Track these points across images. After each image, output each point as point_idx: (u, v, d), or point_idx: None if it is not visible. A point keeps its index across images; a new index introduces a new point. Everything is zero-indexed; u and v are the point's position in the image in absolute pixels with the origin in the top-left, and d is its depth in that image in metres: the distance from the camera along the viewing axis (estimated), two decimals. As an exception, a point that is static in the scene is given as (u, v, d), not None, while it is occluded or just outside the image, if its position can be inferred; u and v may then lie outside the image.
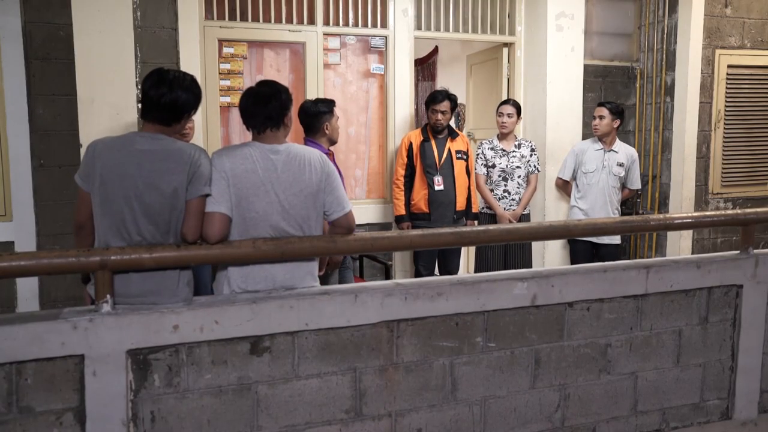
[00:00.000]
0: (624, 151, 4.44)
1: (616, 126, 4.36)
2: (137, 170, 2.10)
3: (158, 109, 2.17)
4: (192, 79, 2.23)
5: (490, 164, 4.38)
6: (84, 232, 2.18)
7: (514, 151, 4.38)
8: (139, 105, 3.98)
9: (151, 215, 2.09)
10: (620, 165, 4.37)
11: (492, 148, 4.40)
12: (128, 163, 2.10)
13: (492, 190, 4.38)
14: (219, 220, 2.10)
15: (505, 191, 4.37)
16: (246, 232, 2.16)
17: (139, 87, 3.99)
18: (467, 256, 5.59)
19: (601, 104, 4.43)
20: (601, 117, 4.32)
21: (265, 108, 2.34)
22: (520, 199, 4.39)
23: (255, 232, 2.15)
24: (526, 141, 4.48)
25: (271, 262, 2.15)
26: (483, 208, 4.42)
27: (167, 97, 2.15)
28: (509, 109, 4.36)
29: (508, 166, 4.35)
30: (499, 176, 4.36)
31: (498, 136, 4.43)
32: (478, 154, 4.40)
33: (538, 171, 4.48)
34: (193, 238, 2.07)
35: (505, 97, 5.06)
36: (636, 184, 4.52)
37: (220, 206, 2.11)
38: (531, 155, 4.42)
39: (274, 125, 2.34)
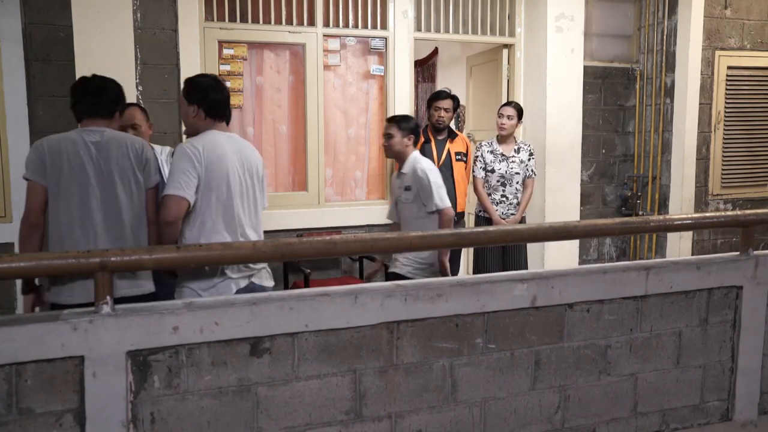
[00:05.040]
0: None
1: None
2: (94, 161, 2.29)
3: (95, 100, 2.44)
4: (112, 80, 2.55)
5: (489, 168, 4.31)
6: (37, 234, 2.34)
7: (513, 156, 4.31)
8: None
9: (111, 204, 2.25)
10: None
11: (491, 152, 4.33)
12: (83, 155, 2.28)
13: (489, 195, 4.32)
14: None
15: (503, 196, 4.30)
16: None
17: (139, 89, 4.00)
18: (467, 257, 5.59)
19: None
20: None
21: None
22: (518, 204, 4.33)
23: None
24: (525, 145, 4.41)
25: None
26: (480, 211, 4.37)
27: (99, 85, 2.47)
28: (509, 110, 4.30)
29: (507, 172, 4.28)
30: (498, 181, 4.29)
31: (497, 138, 4.37)
32: (476, 157, 4.34)
33: (535, 175, 4.41)
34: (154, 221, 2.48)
35: (505, 99, 5.07)
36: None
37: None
38: (529, 159, 4.35)
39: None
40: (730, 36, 5.23)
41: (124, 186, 2.44)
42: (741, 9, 5.22)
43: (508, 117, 4.28)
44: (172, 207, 2.40)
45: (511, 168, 4.28)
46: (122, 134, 2.50)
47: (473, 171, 4.35)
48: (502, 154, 4.31)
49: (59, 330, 1.66)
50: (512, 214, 4.31)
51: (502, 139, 4.34)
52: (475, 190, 4.34)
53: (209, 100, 2.53)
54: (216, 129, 2.57)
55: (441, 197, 3.33)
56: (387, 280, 3.53)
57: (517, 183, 4.31)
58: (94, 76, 2.52)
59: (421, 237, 2.12)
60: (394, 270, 3.43)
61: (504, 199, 4.30)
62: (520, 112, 4.35)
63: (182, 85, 2.62)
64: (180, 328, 1.78)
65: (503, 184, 4.29)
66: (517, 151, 4.33)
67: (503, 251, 4.34)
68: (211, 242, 2.47)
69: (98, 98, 2.47)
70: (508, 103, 4.39)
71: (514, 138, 4.40)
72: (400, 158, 3.49)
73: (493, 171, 4.29)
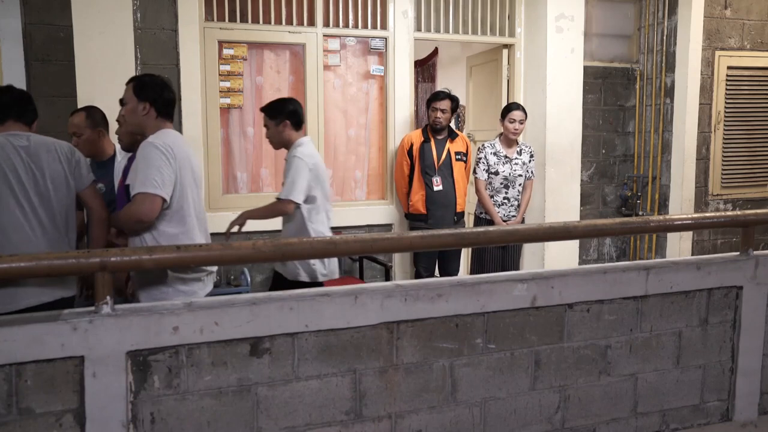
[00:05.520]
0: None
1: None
2: (25, 165, 2.38)
3: (22, 106, 2.50)
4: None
5: (492, 171, 4.24)
6: None
7: (516, 158, 4.27)
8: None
9: (47, 208, 2.32)
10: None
11: (495, 153, 4.26)
12: (14, 159, 2.36)
13: (492, 197, 4.27)
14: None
15: (505, 198, 4.27)
16: None
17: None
18: (467, 257, 5.59)
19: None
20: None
21: None
22: (519, 205, 4.30)
23: None
24: (526, 146, 4.37)
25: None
26: (480, 213, 4.33)
27: (22, 93, 2.54)
28: (521, 115, 4.22)
29: (511, 174, 4.24)
30: (501, 183, 4.25)
31: (501, 140, 4.30)
32: (480, 158, 4.27)
33: (534, 177, 4.38)
34: (106, 218, 2.57)
35: (505, 99, 5.07)
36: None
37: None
38: (530, 161, 4.32)
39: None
40: (730, 36, 5.23)
41: (57, 189, 2.46)
42: (741, 9, 5.22)
43: (520, 122, 4.21)
44: (148, 205, 2.38)
45: (515, 170, 4.25)
46: (48, 138, 2.53)
47: (475, 173, 4.28)
48: (506, 156, 4.26)
49: (59, 330, 1.66)
50: (513, 216, 4.28)
51: (506, 142, 4.28)
52: (477, 191, 4.28)
53: (163, 98, 2.56)
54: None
55: (289, 189, 3.15)
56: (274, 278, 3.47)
57: (520, 185, 4.28)
58: (12, 86, 2.58)
59: (422, 237, 2.12)
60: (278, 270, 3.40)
61: (506, 200, 4.27)
62: (526, 114, 4.31)
63: (130, 83, 2.58)
64: (180, 328, 1.78)
65: (506, 186, 4.26)
66: (519, 152, 4.30)
67: (503, 253, 4.31)
68: (193, 241, 2.54)
69: (24, 105, 2.51)
70: (517, 106, 4.28)
71: (516, 139, 4.37)
72: (285, 146, 3.34)
73: (496, 173, 4.24)
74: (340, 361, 1.96)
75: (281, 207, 3.19)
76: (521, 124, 4.22)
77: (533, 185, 4.42)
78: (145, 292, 2.51)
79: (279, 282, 3.34)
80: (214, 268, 2.70)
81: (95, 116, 3.16)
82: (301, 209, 3.20)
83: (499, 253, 4.31)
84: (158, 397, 1.78)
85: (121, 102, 2.61)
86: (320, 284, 3.34)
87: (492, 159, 4.25)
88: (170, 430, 1.80)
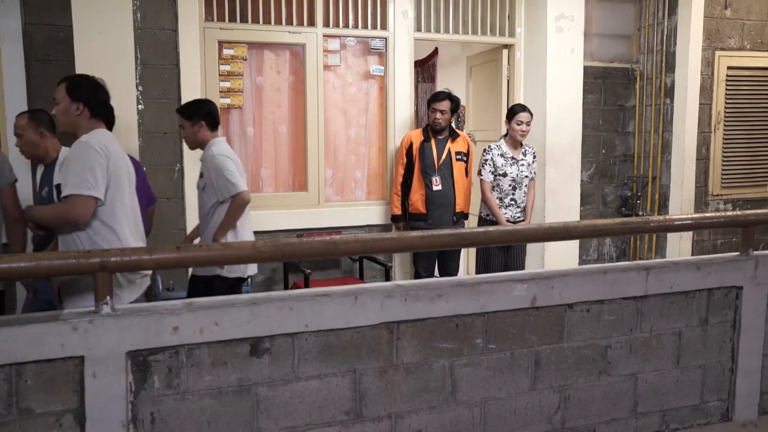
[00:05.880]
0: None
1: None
2: None
3: None
4: None
5: (500, 173, 4.19)
6: None
7: (522, 159, 4.24)
8: (140, 107, 3.99)
9: None
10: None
11: (502, 155, 4.21)
12: None
13: (499, 198, 4.22)
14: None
15: (512, 200, 4.23)
16: None
17: (139, 89, 4.00)
18: (467, 258, 5.59)
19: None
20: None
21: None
22: (525, 207, 4.27)
23: None
24: (529, 147, 4.34)
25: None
26: (486, 215, 4.27)
27: None
28: (528, 116, 4.17)
29: (518, 176, 4.21)
30: (510, 185, 4.20)
31: (507, 141, 4.24)
32: (486, 160, 4.21)
33: (536, 177, 4.36)
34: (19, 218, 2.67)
35: (505, 99, 5.07)
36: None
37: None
38: (533, 162, 4.30)
39: None
40: (730, 36, 5.23)
41: None
42: (741, 9, 5.22)
43: (527, 123, 4.17)
44: (81, 208, 2.39)
45: (522, 171, 4.22)
46: None
47: (481, 174, 4.22)
48: (513, 158, 4.21)
49: (59, 330, 1.66)
50: (521, 218, 4.25)
51: (512, 143, 4.23)
52: (483, 194, 4.22)
53: (97, 99, 2.59)
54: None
55: (227, 186, 3.18)
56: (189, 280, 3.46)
57: (526, 186, 4.26)
58: None
59: (422, 237, 2.12)
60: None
61: (513, 202, 4.24)
62: (532, 116, 4.26)
63: (63, 83, 2.58)
64: (180, 329, 1.78)
65: (514, 188, 4.22)
66: (524, 153, 4.28)
67: (506, 258, 4.27)
68: (126, 239, 2.56)
69: None
70: (523, 108, 4.23)
71: (521, 140, 4.33)
72: (201, 147, 3.37)
73: (504, 175, 4.19)
74: (340, 361, 1.96)
75: (242, 202, 3.20)
76: (528, 125, 4.18)
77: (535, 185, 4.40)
78: (75, 297, 2.49)
79: (196, 285, 3.32)
80: (149, 272, 2.73)
81: (39, 119, 3.16)
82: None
83: (503, 257, 4.26)
84: (158, 397, 1.78)
85: (54, 100, 2.59)
86: (241, 280, 3.35)
87: (499, 161, 4.19)
88: (170, 430, 1.80)
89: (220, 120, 3.40)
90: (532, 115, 4.24)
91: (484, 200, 4.23)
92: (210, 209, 3.28)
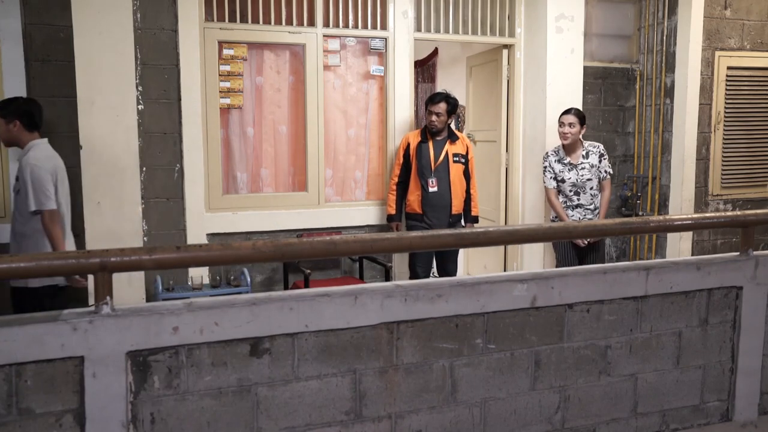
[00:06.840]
0: None
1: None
2: None
3: None
4: None
5: (559, 178, 4.20)
6: None
7: (582, 163, 4.19)
8: (140, 107, 3.99)
9: None
10: None
11: (559, 161, 4.20)
12: None
13: (564, 202, 4.22)
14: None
15: (578, 204, 4.21)
16: None
17: (139, 89, 4.00)
18: (466, 258, 5.59)
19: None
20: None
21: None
22: (595, 208, 4.22)
23: None
24: (594, 147, 4.27)
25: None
26: (554, 218, 4.30)
27: None
28: (570, 118, 4.15)
29: (579, 180, 4.17)
30: (571, 190, 4.20)
31: (563, 145, 4.23)
32: (545, 167, 4.24)
33: (611, 175, 4.31)
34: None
35: (505, 99, 5.07)
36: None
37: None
38: (600, 161, 4.23)
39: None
40: (730, 36, 5.23)
41: None
42: (741, 9, 5.22)
43: (570, 125, 4.14)
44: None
45: (582, 175, 4.18)
46: None
47: (544, 182, 4.26)
48: (570, 163, 4.19)
49: (59, 330, 1.66)
50: (590, 219, 4.20)
51: (567, 148, 4.21)
52: (549, 200, 4.26)
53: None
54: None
55: (40, 198, 3.10)
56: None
57: (591, 189, 4.21)
58: None
59: (421, 237, 2.12)
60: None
61: (579, 206, 4.22)
62: (582, 119, 4.20)
63: None
64: (180, 329, 1.78)
65: (576, 193, 4.21)
66: (586, 155, 4.22)
67: (584, 251, 4.23)
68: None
69: None
70: (568, 111, 4.21)
71: (581, 142, 4.26)
72: (18, 146, 3.29)
73: (563, 180, 4.19)
74: (340, 361, 1.96)
75: (54, 217, 3.14)
76: (571, 127, 4.13)
77: (611, 184, 4.36)
78: None
79: (16, 296, 3.22)
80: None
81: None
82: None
83: (576, 253, 4.24)
84: (158, 397, 1.78)
85: None
86: (55, 288, 3.24)
87: (557, 167, 4.21)
88: (170, 431, 1.80)
89: (41, 121, 3.31)
90: (581, 117, 4.19)
91: (550, 206, 4.30)
92: (27, 216, 3.16)
